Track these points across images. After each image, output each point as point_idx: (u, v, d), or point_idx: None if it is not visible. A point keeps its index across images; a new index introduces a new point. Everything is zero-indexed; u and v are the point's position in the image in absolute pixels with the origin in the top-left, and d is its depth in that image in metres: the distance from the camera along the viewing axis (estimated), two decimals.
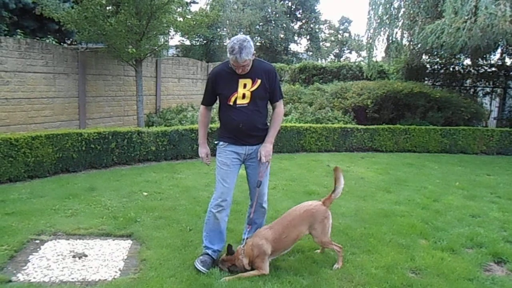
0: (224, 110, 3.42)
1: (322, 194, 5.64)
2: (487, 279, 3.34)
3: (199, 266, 3.26)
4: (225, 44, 21.49)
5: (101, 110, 9.82)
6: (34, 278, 3.13)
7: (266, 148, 3.40)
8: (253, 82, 3.31)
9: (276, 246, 3.29)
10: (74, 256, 3.49)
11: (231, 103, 3.32)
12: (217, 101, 3.52)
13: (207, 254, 3.41)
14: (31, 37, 10.46)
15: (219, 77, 3.35)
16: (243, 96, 3.31)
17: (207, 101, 3.52)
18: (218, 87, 3.36)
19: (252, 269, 3.26)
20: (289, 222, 3.37)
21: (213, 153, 3.56)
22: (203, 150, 3.57)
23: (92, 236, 3.95)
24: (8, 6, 10.90)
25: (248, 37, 3.20)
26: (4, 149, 5.59)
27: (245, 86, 3.30)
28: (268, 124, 3.51)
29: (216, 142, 3.53)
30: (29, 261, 3.39)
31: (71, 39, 13.78)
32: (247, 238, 3.37)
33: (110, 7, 8.95)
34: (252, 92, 3.31)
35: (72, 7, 8.81)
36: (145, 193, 5.37)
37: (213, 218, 3.41)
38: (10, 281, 3.07)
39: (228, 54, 3.16)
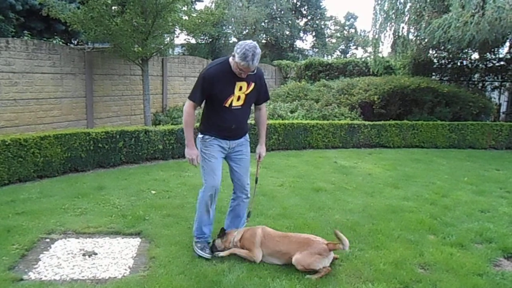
0: (217, 111, 3.43)
1: (330, 191, 5.64)
2: (497, 274, 3.32)
3: (201, 253, 3.44)
4: (230, 42, 21.44)
5: (108, 109, 9.88)
6: (45, 276, 3.16)
7: (264, 149, 3.77)
8: (248, 85, 3.40)
9: (266, 242, 3.40)
10: (84, 255, 3.52)
11: (227, 105, 3.38)
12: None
13: (200, 242, 3.56)
14: (38, 38, 10.58)
15: (217, 79, 3.31)
16: (238, 99, 3.40)
17: (199, 100, 3.41)
18: (215, 88, 3.32)
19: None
20: (289, 236, 3.46)
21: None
22: (194, 151, 3.53)
23: (101, 235, 3.98)
24: (15, 8, 11.02)
25: (255, 42, 3.23)
26: (14, 150, 5.65)
27: (240, 88, 3.38)
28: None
29: (201, 136, 3.55)
30: (40, 260, 3.43)
31: (77, 40, 13.91)
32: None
33: (115, 7, 8.99)
34: (246, 95, 3.42)
35: (78, 8, 8.85)
36: (153, 192, 5.40)
37: (205, 210, 3.55)
38: (22, 279, 3.10)
39: (237, 60, 3.14)
